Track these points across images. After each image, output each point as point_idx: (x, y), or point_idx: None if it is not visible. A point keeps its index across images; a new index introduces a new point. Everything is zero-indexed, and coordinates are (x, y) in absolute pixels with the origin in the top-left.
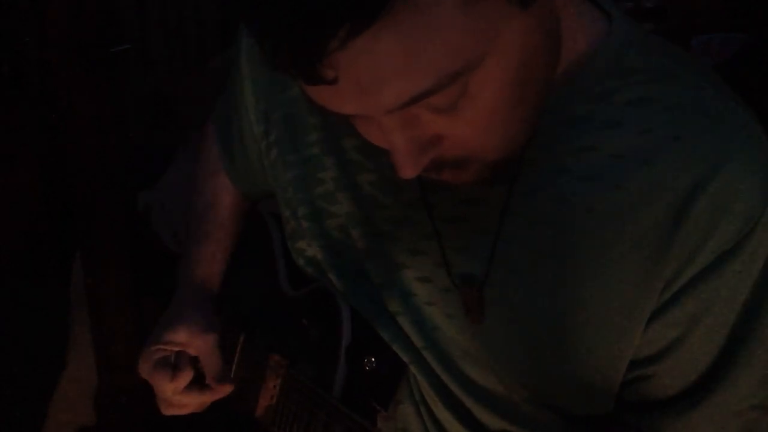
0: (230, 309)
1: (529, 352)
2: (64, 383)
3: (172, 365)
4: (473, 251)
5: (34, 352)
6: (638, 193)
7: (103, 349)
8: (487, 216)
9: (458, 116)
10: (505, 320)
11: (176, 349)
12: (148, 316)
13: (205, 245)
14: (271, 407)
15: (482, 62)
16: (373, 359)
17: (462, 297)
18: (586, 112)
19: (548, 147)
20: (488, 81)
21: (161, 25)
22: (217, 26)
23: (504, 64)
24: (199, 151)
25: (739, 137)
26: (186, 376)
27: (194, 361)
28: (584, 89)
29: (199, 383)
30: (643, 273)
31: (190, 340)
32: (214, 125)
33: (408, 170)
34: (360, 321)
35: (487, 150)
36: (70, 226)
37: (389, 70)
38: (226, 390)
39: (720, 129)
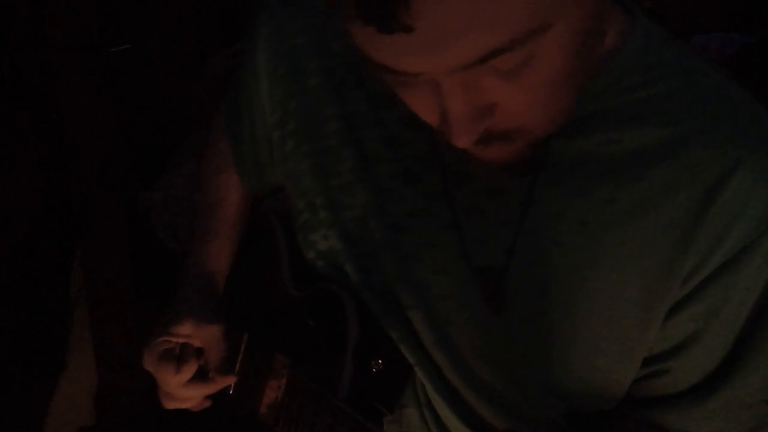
0: (234, 308)
1: (547, 344)
2: (64, 383)
3: (177, 357)
4: (493, 243)
5: (34, 352)
6: (661, 186)
7: (103, 349)
8: (507, 207)
9: (518, 83)
10: (525, 312)
11: (181, 341)
12: (148, 315)
13: (211, 242)
14: (275, 407)
15: (552, 26)
16: (380, 361)
17: (482, 288)
18: (611, 106)
19: (572, 139)
20: (552, 47)
21: (161, 25)
22: (217, 26)
23: (569, 31)
24: (205, 147)
25: (761, 131)
26: (190, 368)
27: (198, 354)
28: (610, 84)
29: (201, 377)
30: (664, 266)
31: (195, 331)
32: (222, 119)
33: (464, 137)
34: (367, 322)
35: (535, 124)
36: (70, 226)
37: (469, 20)
38: (228, 381)
39: (742, 123)
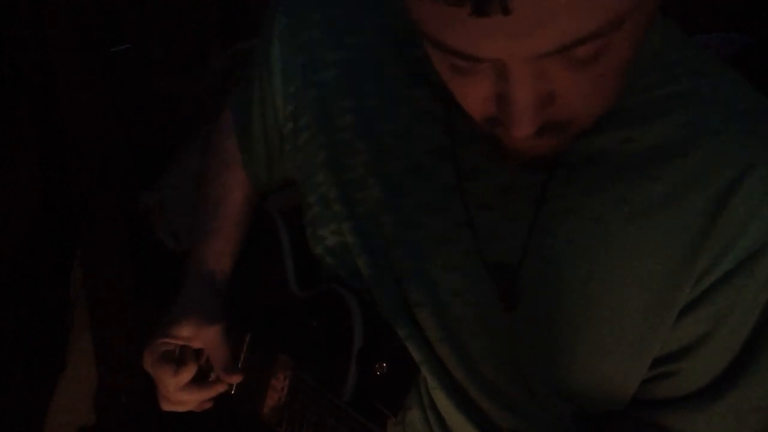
0: (236, 307)
1: (555, 343)
2: (64, 383)
3: (176, 360)
4: (505, 239)
5: (34, 352)
6: (674, 185)
7: (103, 349)
8: (520, 204)
9: (585, 73)
10: (534, 310)
11: (181, 343)
12: (148, 315)
13: (215, 241)
14: (278, 408)
15: (631, 17)
16: (384, 365)
17: (496, 286)
18: (628, 104)
19: (587, 137)
20: (623, 39)
21: (161, 25)
22: (217, 26)
23: (639, 23)
24: (210, 143)
25: None
26: (189, 372)
27: (197, 357)
28: (629, 82)
29: (201, 380)
30: (675, 266)
31: (195, 333)
32: (229, 115)
33: (527, 126)
34: (371, 324)
35: (586, 115)
36: (70, 226)
37: (563, 6)
38: (235, 380)
39: (756, 125)
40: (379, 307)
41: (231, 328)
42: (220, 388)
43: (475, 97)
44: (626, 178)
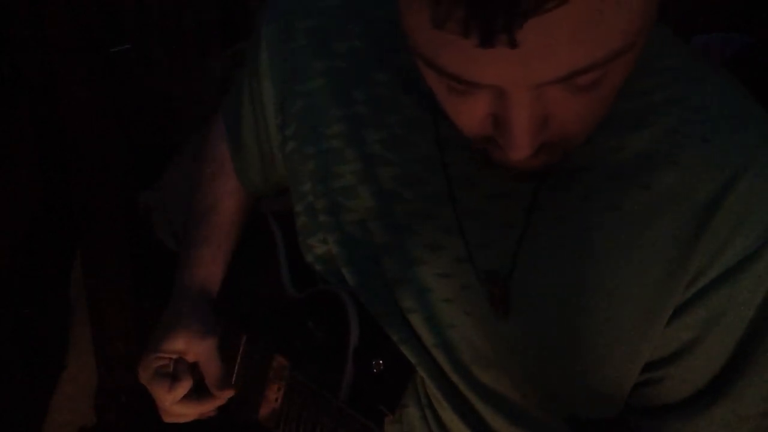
0: (231, 309)
1: (548, 349)
2: (64, 383)
3: (171, 374)
4: (496, 246)
5: (34, 352)
6: (664, 193)
7: (103, 349)
8: (512, 211)
9: (583, 97)
10: (528, 317)
11: (174, 356)
12: (148, 315)
13: (205, 249)
14: (275, 410)
15: (634, 46)
16: (381, 362)
17: (489, 293)
18: (620, 111)
19: (580, 144)
20: (622, 65)
21: (161, 25)
22: (217, 26)
23: (637, 51)
24: (202, 149)
25: (765, 140)
26: (184, 386)
27: (193, 369)
28: (624, 87)
29: (198, 393)
30: (667, 274)
31: (188, 346)
32: (222, 119)
33: (525, 149)
34: (367, 323)
35: (580, 134)
36: (70, 226)
37: (570, 38)
38: (226, 395)
39: (747, 132)
40: (370, 312)
41: (226, 331)
42: (218, 402)
43: (470, 116)
44: (617, 186)
